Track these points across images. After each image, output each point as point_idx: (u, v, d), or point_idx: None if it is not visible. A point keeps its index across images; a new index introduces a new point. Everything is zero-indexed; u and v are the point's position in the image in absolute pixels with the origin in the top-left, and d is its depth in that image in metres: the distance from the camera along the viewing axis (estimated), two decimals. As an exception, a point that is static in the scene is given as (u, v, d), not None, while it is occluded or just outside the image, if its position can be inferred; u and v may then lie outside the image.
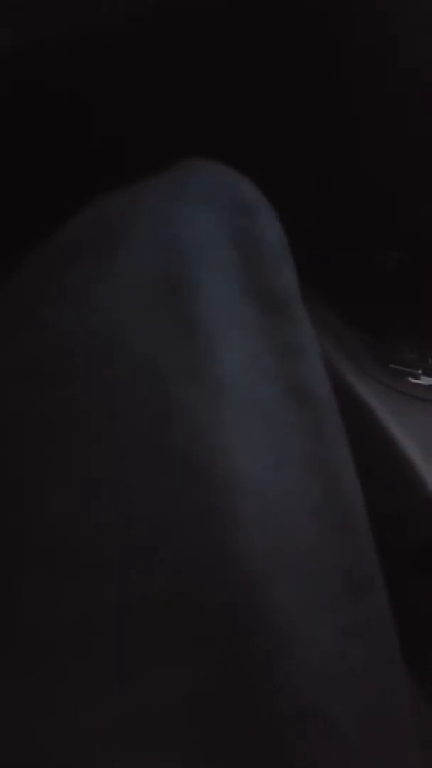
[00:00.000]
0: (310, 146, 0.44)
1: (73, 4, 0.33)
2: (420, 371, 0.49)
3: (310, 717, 0.27)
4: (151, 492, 0.29)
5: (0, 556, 0.29)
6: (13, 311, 0.33)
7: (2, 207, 0.38)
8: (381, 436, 0.44)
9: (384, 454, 0.43)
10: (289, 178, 0.38)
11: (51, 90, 0.36)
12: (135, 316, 0.31)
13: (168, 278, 0.32)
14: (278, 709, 0.27)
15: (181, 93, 0.39)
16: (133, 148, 0.38)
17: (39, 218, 0.34)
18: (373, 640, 0.29)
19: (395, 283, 0.50)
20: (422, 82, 0.41)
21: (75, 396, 0.30)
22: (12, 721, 0.27)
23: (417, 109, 0.42)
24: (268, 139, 0.42)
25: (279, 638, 0.27)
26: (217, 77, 0.39)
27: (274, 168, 0.35)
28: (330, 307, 0.49)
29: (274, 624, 0.27)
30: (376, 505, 0.31)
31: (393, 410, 0.45)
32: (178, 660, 0.27)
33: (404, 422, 0.44)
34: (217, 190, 0.35)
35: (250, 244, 0.34)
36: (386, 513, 0.32)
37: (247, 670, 0.27)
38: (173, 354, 0.31)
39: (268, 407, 0.31)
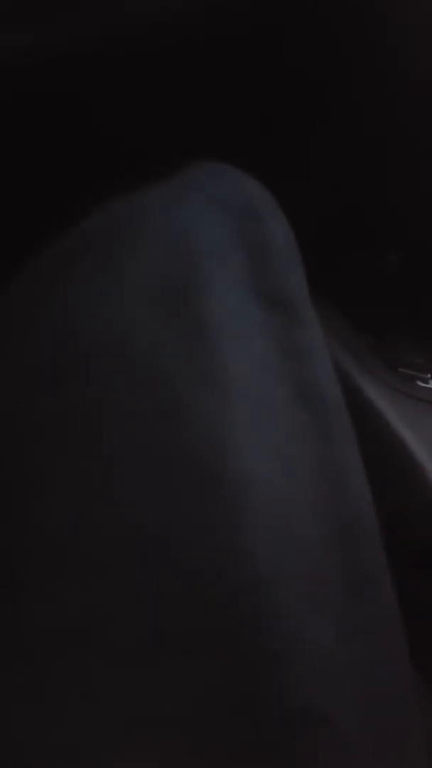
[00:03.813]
0: (311, 148, 0.44)
1: (74, 10, 0.34)
2: (428, 375, 0.49)
3: (312, 716, 0.27)
4: (160, 493, 0.29)
5: (6, 558, 0.29)
6: (18, 311, 0.34)
7: (4, 208, 0.38)
8: (389, 438, 0.44)
9: (392, 457, 0.43)
10: (292, 180, 0.38)
11: (52, 90, 0.36)
12: (143, 318, 0.31)
13: (176, 280, 0.32)
14: (281, 708, 0.27)
15: (184, 95, 0.39)
16: (137, 150, 0.39)
17: (41, 219, 0.34)
18: (377, 639, 0.29)
19: (402, 286, 0.50)
20: (422, 82, 0.41)
21: (82, 397, 0.31)
22: (21, 721, 0.27)
23: (417, 110, 0.42)
24: (271, 142, 0.42)
25: (284, 638, 0.27)
26: (218, 77, 0.39)
27: (277, 171, 0.35)
28: (337, 311, 0.49)
29: (279, 624, 0.27)
30: (382, 505, 0.31)
31: (401, 413, 0.45)
32: (183, 659, 0.27)
33: (412, 425, 0.44)
34: (226, 192, 0.35)
35: (259, 246, 0.34)
36: (391, 513, 0.32)
37: (251, 670, 0.27)
38: (181, 355, 0.31)
39: (276, 408, 0.31)
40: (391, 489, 0.42)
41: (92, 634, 0.28)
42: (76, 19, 0.33)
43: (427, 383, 0.48)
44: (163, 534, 0.28)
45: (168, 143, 0.38)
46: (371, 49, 0.40)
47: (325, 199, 0.46)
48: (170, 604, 0.27)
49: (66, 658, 0.27)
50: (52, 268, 0.34)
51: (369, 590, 0.30)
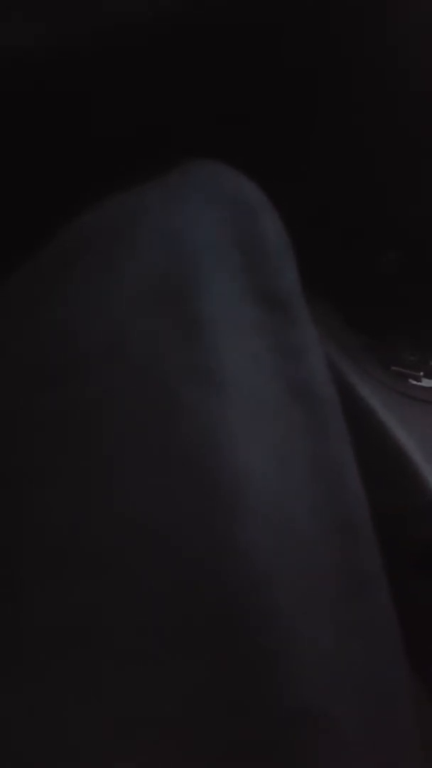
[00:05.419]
0: (310, 147, 0.44)
1: (73, 4, 0.34)
2: (421, 373, 0.49)
3: (310, 716, 0.27)
4: (157, 491, 0.29)
5: (6, 558, 0.29)
6: (18, 310, 0.34)
7: (3, 207, 0.38)
8: (383, 437, 0.44)
9: (385, 456, 0.43)
10: (289, 179, 0.38)
11: (52, 90, 0.36)
12: (139, 317, 0.32)
13: (171, 279, 0.32)
14: (279, 708, 0.27)
15: (181, 93, 0.39)
16: (134, 149, 0.39)
17: (40, 218, 0.34)
18: (374, 639, 0.29)
19: (396, 285, 0.50)
20: (422, 82, 0.41)
21: (79, 396, 0.31)
22: (21, 721, 0.27)
23: (417, 110, 0.42)
24: (268, 140, 0.42)
25: (281, 637, 0.27)
26: (218, 77, 0.39)
27: (275, 169, 0.35)
28: (331, 309, 0.49)
29: (276, 623, 0.27)
30: (378, 506, 0.31)
31: (394, 412, 0.45)
32: (183, 659, 0.27)
33: (406, 424, 0.44)
34: (220, 190, 0.35)
35: (253, 244, 0.34)
36: (387, 513, 0.32)
37: (249, 669, 0.27)
38: (177, 354, 0.31)
39: (271, 407, 0.31)
40: (387, 489, 0.42)
41: (92, 634, 0.28)
42: (75, 19, 0.33)
43: (420, 381, 0.49)
44: (162, 533, 0.28)
45: (168, 143, 0.38)
46: (371, 49, 0.40)
47: (324, 199, 0.46)
48: (170, 604, 0.28)
49: (66, 658, 0.27)
50: (52, 268, 0.34)
51: (365, 588, 0.30)
